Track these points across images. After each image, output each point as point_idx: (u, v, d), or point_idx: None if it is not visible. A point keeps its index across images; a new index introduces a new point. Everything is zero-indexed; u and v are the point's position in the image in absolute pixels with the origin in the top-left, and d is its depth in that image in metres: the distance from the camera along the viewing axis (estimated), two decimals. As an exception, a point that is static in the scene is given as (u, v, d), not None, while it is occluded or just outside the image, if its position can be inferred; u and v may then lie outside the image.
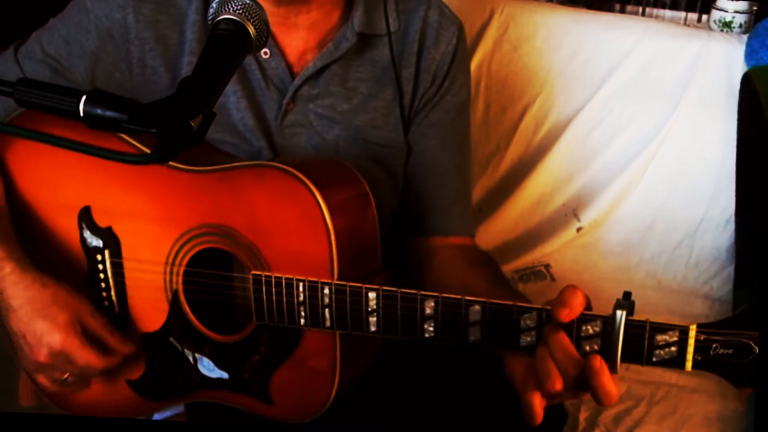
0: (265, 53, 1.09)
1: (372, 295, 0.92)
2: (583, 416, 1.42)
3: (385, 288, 0.91)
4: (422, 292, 0.90)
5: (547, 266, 1.79)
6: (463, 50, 1.20)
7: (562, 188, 1.83)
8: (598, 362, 0.80)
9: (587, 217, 1.82)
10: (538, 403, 0.84)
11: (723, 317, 0.80)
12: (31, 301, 1.00)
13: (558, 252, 1.82)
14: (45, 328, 0.99)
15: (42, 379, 1.05)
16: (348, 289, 0.93)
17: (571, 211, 1.84)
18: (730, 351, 0.78)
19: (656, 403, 1.45)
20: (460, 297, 0.88)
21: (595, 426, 1.40)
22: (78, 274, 1.08)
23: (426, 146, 1.18)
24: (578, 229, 1.83)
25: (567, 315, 0.81)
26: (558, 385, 0.82)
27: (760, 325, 0.78)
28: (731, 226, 1.72)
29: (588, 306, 0.83)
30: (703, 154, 1.74)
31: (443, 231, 1.18)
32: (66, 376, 1.04)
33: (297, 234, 0.95)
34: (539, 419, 0.84)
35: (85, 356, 1.01)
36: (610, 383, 0.80)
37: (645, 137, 1.77)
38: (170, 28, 1.09)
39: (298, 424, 1.04)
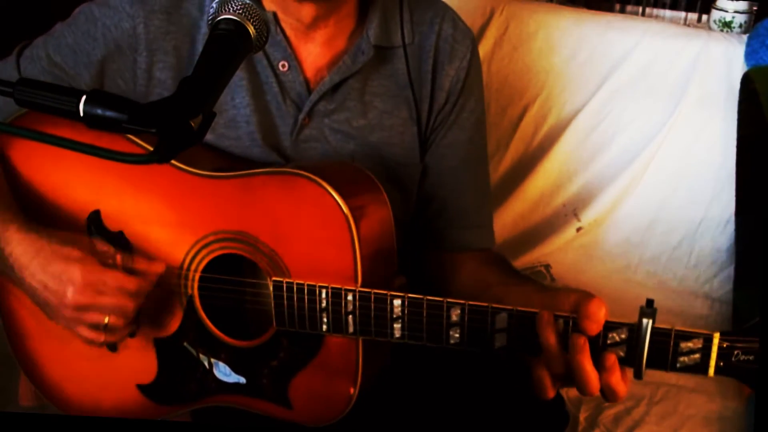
0: (283, 66, 1.07)
1: (397, 302, 0.92)
2: (583, 416, 1.42)
3: (410, 295, 0.91)
4: (448, 300, 0.90)
5: (547, 266, 1.79)
6: (476, 64, 1.19)
7: (562, 188, 1.84)
8: (611, 361, 0.83)
9: (587, 217, 1.82)
10: (550, 387, 0.87)
11: (722, 317, 0.81)
12: (41, 251, 0.97)
13: (558, 252, 1.82)
14: (60, 267, 0.96)
15: (85, 332, 0.99)
16: (372, 296, 0.92)
17: (571, 211, 1.84)
18: (750, 357, 0.80)
19: (656, 403, 1.45)
20: (486, 305, 0.88)
21: (595, 426, 1.40)
22: None
23: (445, 166, 1.16)
24: (578, 229, 1.83)
25: (595, 329, 0.83)
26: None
27: (761, 325, 0.79)
28: (731, 227, 1.72)
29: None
30: (703, 154, 1.74)
31: (463, 247, 1.18)
32: (106, 319, 0.98)
33: (320, 241, 0.95)
34: (551, 395, 0.88)
35: (113, 278, 0.97)
36: (619, 383, 0.84)
37: (645, 137, 1.78)
38: (181, 40, 1.07)
39: (302, 425, 1.04)
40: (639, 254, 1.79)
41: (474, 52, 1.17)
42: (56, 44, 1.09)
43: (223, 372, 1.05)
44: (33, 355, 1.14)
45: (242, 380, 1.05)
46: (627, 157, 1.79)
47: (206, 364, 1.06)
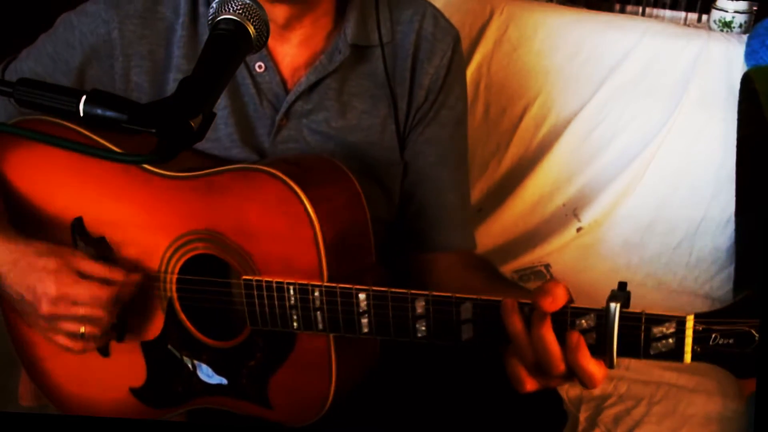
0: (260, 67, 1.07)
1: (362, 296, 0.91)
2: (583, 416, 1.42)
3: (375, 288, 0.90)
4: (413, 291, 0.88)
5: (547, 266, 1.79)
6: (458, 61, 1.17)
7: (562, 188, 1.84)
8: (575, 339, 0.79)
9: (587, 217, 1.82)
10: (526, 378, 0.84)
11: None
12: (18, 262, 0.99)
13: (558, 252, 1.82)
14: (36, 278, 0.97)
15: (61, 340, 1.00)
16: (338, 290, 0.92)
17: (571, 211, 1.84)
18: (730, 341, 0.75)
19: (656, 403, 1.45)
20: (450, 294, 0.87)
21: (595, 426, 1.40)
22: None
23: (424, 164, 1.16)
24: (578, 229, 1.83)
25: (550, 304, 0.80)
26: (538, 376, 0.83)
27: (761, 325, 0.77)
28: (731, 226, 1.72)
29: (570, 300, 0.82)
30: (703, 154, 1.74)
31: (444, 247, 1.17)
32: (82, 329, 0.99)
33: (285, 238, 0.94)
34: (528, 387, 0.84)
35: (87, 290, 0.98)
36: (589, 363, 0.79)
37: (645, 137, 1.78)
38: (156, 44, 1.07)
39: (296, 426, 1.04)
40: (639, 254, 1.79)
41: (456, 50, 1.16)
42: (37, 55, 1.11)
43: (206, 373, 1.05)
44: (35, 358, 1.14)
45: (224, 381, 1.05)
46: (627, 157, 1.79)
47: (190, 366, 1.06)
